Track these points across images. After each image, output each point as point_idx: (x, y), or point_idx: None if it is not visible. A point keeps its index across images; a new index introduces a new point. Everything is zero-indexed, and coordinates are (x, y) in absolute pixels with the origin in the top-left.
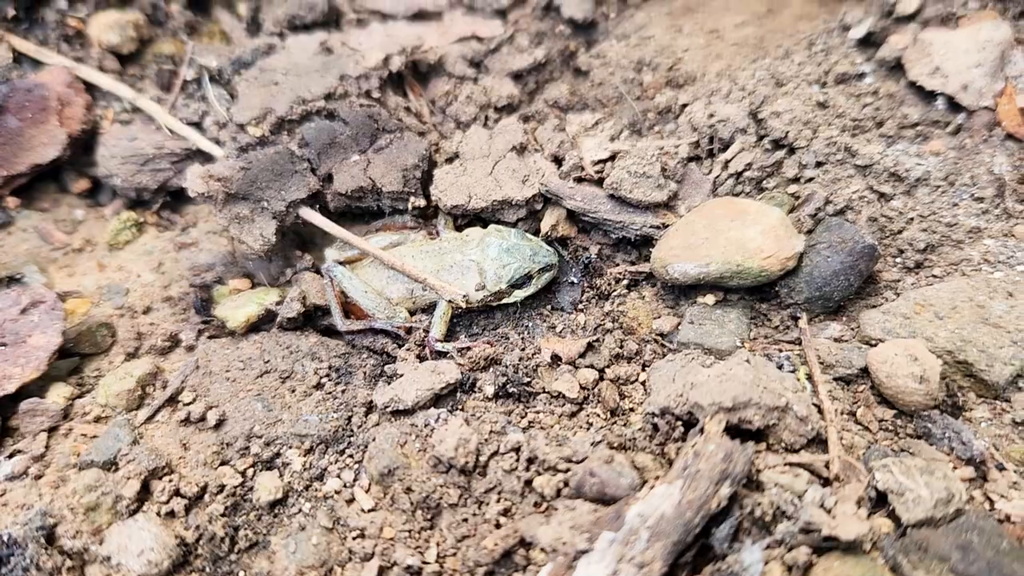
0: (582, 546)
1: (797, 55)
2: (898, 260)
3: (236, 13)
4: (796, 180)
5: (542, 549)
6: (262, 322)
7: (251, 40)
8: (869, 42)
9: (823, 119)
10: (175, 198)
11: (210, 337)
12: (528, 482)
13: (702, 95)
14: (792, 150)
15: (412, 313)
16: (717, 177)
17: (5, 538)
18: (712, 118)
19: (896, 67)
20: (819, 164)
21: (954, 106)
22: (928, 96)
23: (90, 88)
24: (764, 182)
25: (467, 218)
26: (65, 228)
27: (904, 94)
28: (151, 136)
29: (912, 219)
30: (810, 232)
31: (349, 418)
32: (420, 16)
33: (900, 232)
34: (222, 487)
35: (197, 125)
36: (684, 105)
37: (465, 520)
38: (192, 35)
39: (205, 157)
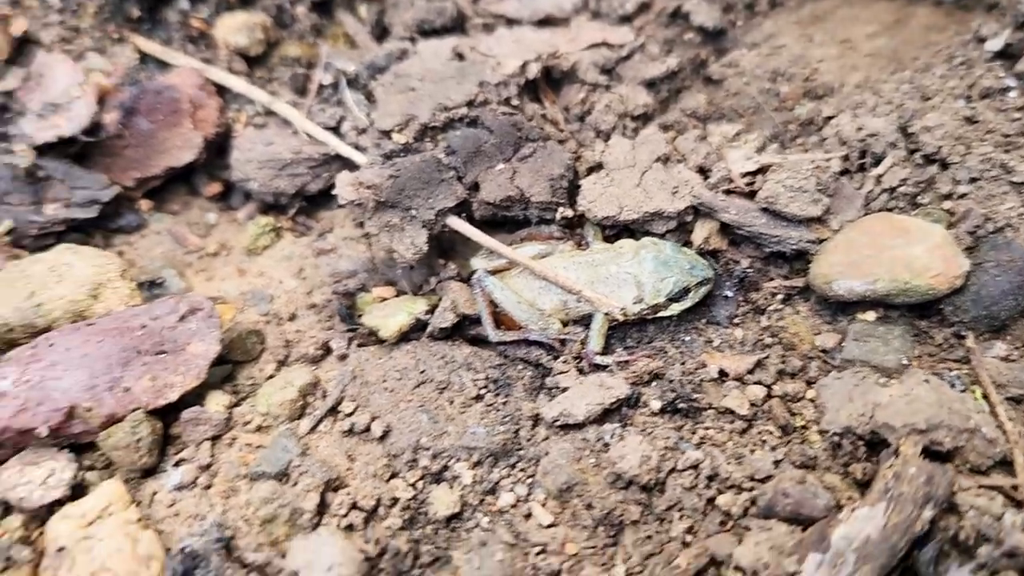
0: (791, 568)
1: (938, 68)
2: None
3: (359, 16)
4: (949, 196)
5: (738, 568)
6: (412, 331)
7: (381, 45)
8: (1007, 54)
9: (974, 134)
10: (311, 203)
11: (359, 345)
12: (711, 500)
13: (846, 107)
14: (945, 165)
15: (564, 325)
16: (870, 192)
17: (187, 551)
18: (861, 131)
19: None
20: (973, 180)
21: None
22: None
23: (220, 91)
24: (918, 198)
25: (615, 229)
26: (198, 232)
27: None
28: (288, 141)
29: None
30: (969, 250)
31: (516, 431)
32: (546, 22)
33: None
34: (395, 500)
35: (335, 130)
36: (828, 117)
37: (649, 537)
38: (318, 38)
39: (345, 163)
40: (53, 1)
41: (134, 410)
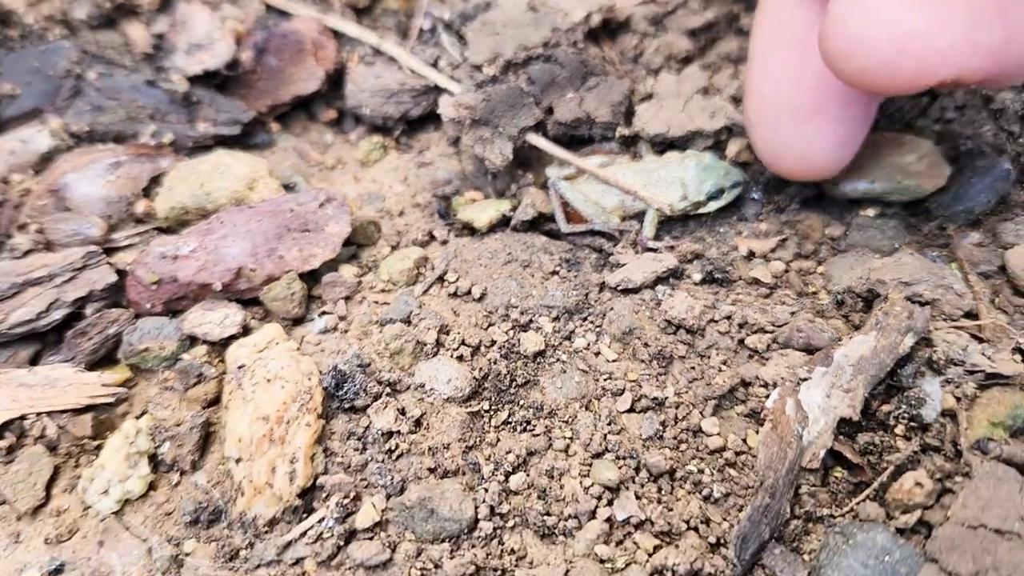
0: (803, 375)
1: None
2: None
3: None
4: (939, 120)
5: (763, 384)
6: (498, 225)
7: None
8: None
9: None
10: (410, 126)
11: (456, 235)
12: (741, 340)
13: None
14: (935, 96)
15: (623, 219)
16: (877, 119)
17: (337, 369)
18: None
19: None
20: (958, 108)
21: None
22: None
23: (335, 35)
24: (915, 121)
25: (664, 145)
26: (318, 149)
27: None
28: (394, 75)
29: None
30: (952, 159)
31: (586, 295)
32: None
33: None
34: (493, 341)
35: (433, 66)
36: None
37: (693, 368)
38: None
39: (441, 92)
40: None
41: (287, 272)
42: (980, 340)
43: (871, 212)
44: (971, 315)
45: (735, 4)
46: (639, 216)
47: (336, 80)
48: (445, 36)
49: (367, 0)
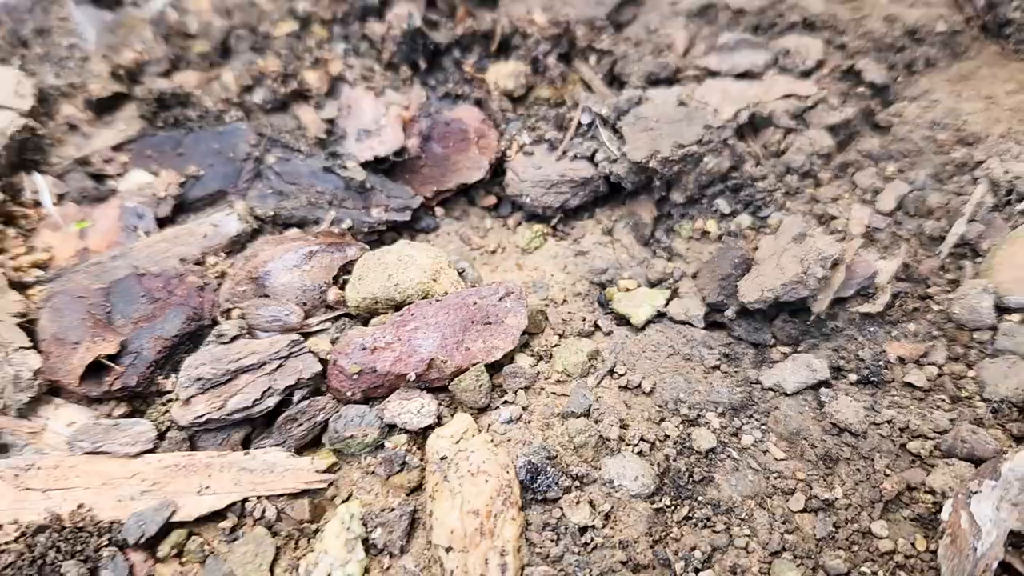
0: (974, 488)
1: None
2: None
3: (591, 65)
4: None
5: (928, 491)
6: (655, 319)
7: (620, 92)
8: None
9: None
10: (566, 215)
11: (618, 325)
12: (903, 445)
13: (994, 154)
14: None
15: None
16: (1015, 222)
17: (530, 463)
18: (1007, 174)
19: None
20: None
21: None
22: None
23: (496, 124)
24: None
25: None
26: (478, 234)
27: None
28: (554, 165)
29: None
30: None
31: (750, 393)
32: (745, 75)
33: None
34: (667, 436)
35: (590, 159)
36: (979, 162)
37: (858, 470)
38: (563, 83)
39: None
40: (356, 47)
41: (474, 364)
42: None
43: (1016, 318)
44: None
45: (871, 99)
46: None
47: (497, 168)
48: (603, 130)
49: (523, 89)
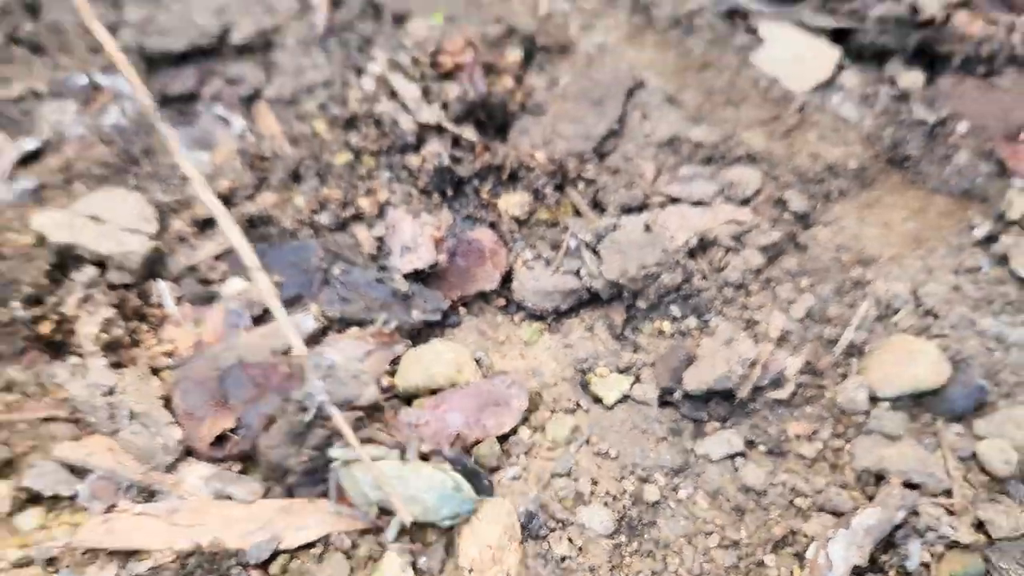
0: (831, 535)
1: (940, 249)
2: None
3: (579, 191)
4: (939, 336)
5: (804, 536)
6: (624, 399)
7: (601, 217)
8: (988, 240)
9: (957, 298)
10: (557, 316)
11: (594, 403)
12: (791, 501)
13: (881, 275)
14: (936, 316)
15: (380, 513)
16: (889, 331)
17: (528, 511)
18: (888, 292)
19: (1003, 259)
20: (952, 327)
21: None
22: (1022, 281)
23: (505, 244)
24: (921, 335)
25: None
26: (492, 328)
27: (1007, 278)
28: (549, 278)
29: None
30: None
31: (686, 459)
32: (698, 203)
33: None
34: (625, 491)
35: (576, 274)
36: (869, 280)
37: (758, 518)
38: (558, 207)
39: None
40: (397, 175)
41: (488, 436)
42: (951, 513)
43: (884, 406)
44: (948, 492)
45: (794, 225)
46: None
47: (506, 278)
48: (585, 252)
49: (525, 215)
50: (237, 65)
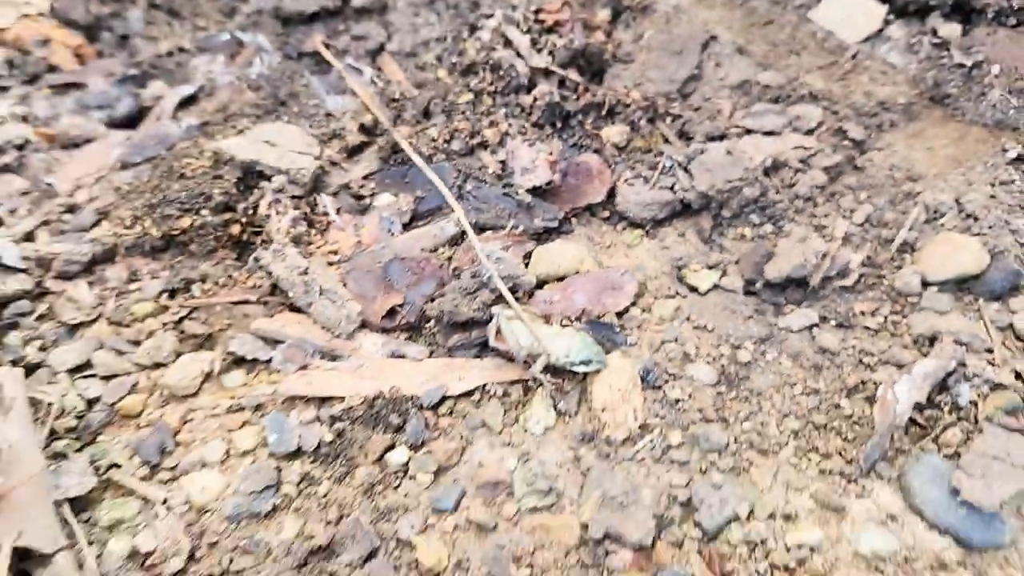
0: (896, 379)
1: (978, 167)
2: None
3: (668, 124)
4: (981, 234)
5: (874, 383)
6: (713, 288)
7: (689, 144)
8: (1019, 159)
9: (993, 204)
10: (655, 224)
11: (690, 292)
12: (860, 360)
13: (928, 188)
14: (976, 219)
15: (529, 355)
16: (937, 231)
17: (645, 367)
18: (935, 200)
19: None
20: (990, 227)
21: None
22: None
23: (609, 165)
24: (964, 234)
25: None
26: (598, 235)
27: None
28: (648, 193)
29: None
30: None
31: (771, 331)
32: (769, 133)
33: None
34: (722, 354)
35: (671, 189)
36: (919, 192)
37: (833, 373)
38: (651, 137)
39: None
40: (512, 112)
41: (607, 312)
42: (992, 364)
43: (934, 289)
44: (989, 351)
45: (852, 150)
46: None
47: (611, 193)
48: (679, 171)
49: (625, 142)
50: (360, 24)
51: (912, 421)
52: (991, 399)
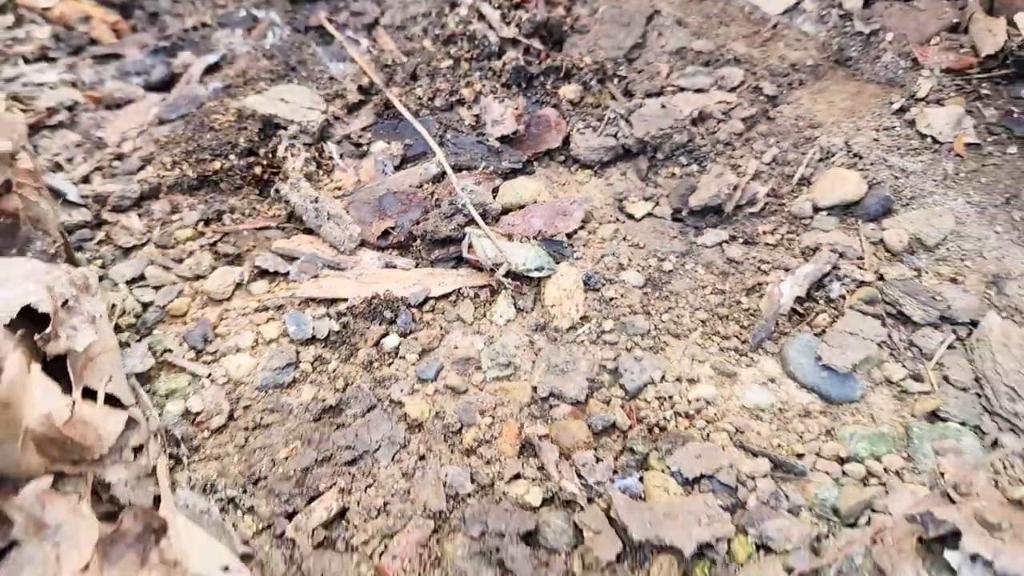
0: (783, 279)
1: (867, 116)
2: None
3: (615, 84)
4: (863, 170)
5: (767, 284)
6: (646, 216)
7: (630, 100)
8: (901, 110)
9: (877, 145)
10: (602, 165)
11: (628, 219)
12: (758, 267)
13: (824, 134)
14: (861, 157)
15: (495, 265)
16: (827, 166)
17: (588, 275)
18: (829, 143)
19: (911, 123)
20: (872, 163)
21: (935, 140)
22: (923, 136)
23: (564, 117)
24: (850, 169)
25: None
26: (555, 175)
27: (912, 134)
28: (596, 139)
29: (906, 187)
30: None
31: (691, 247)
32: (699, 91)
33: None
34: (650, 264)
35: (614, 136)
36: (816, 137)
37: (737, 278)
38: (600, 95)
39: (621, 149)
40: (485, 74)
41: (558, 233)
42: (862, 268)
43: (823, 213)
44: (860, 259)
45: (767, 104)
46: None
47: (566, 140)
48: (621, 122)
49: (578, 98)
50: (357, 2)
51: (793, 311)
52: (856, 293)
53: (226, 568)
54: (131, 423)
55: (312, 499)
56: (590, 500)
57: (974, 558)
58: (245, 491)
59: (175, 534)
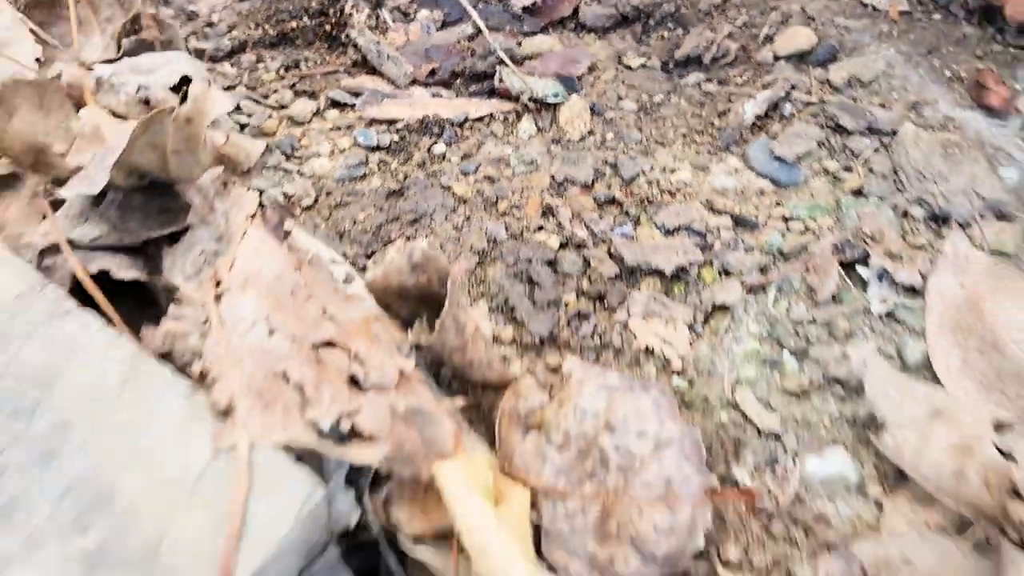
0: (745, 102)
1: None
2: None
3: None
4: (817, 28)
5: (738, 111)
6: (642, 66)
7: None
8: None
9: (827, 11)
10: (604, 31)
11: (626, 69)
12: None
13: (786, 3)
14: (814, 19)
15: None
16: (790, 25)
17: (593, 104)
18: (789, 9)
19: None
20: (822, 23)
21: (874, 8)
22: (864, 5)
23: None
24: (804, 27)
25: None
26: (567, 40)
27: (858, 4)
28: (600, 9)
29: (849, 40)
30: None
31: (675, 86)
32: None
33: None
34: (644, 98)
35: (615, 7)
36: (778, 6)
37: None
38: None
39: (620, 16)
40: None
41: (570, 75)
42: (809, 94)
43: (782, 61)
44: (809, 92)
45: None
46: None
47: (576, 10)
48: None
49: None
50: None
51: (754, 124)
52: (803, 111)
53: (333, 260)
54: (267, 150)
55: (386, 244)
56: (594, 244)
57: (881, 275)
58: (333, 241)
59: (297, 233)
